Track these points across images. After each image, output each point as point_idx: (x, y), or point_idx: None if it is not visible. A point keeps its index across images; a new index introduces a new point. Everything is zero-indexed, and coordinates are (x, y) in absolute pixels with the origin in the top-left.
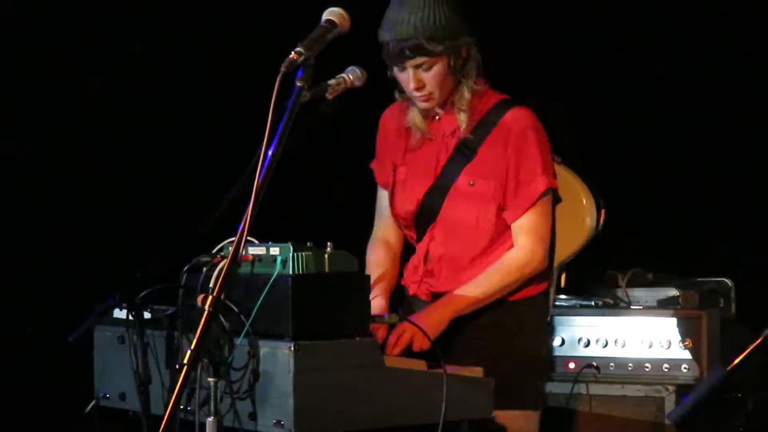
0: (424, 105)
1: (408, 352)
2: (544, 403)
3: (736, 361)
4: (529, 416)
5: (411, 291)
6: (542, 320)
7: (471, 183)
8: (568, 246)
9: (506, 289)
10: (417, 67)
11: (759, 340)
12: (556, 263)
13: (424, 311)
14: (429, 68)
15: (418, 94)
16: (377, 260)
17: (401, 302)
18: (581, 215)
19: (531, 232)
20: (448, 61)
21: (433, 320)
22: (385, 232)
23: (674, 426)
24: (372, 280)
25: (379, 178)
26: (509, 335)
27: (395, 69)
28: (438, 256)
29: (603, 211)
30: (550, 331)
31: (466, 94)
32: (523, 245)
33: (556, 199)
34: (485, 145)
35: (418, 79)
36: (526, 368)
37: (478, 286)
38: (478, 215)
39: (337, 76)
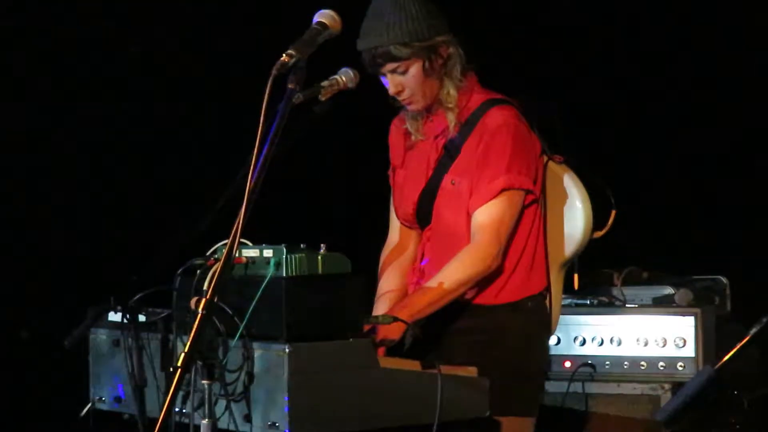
0: (410, 108)
1: (401, 353)
2: (535, 410)
3: (724, 359)
4: (517, 422)
5: (409, 291)
6: (531, 326)
7: (453, 182)
8: (563, 249)
9: (461, 286)
10: (392, 72)
11: (746, 339)
12: (552, 266)
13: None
14: (404, 72)
15: (399, 98)
16: (386, 281)
17: None
18: (576, 218)
19: (486, 228)
20: (422, 62)
21: (391, 326)
22: (399, 236)
23: (662, 424)
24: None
25: (391, 183)
26: (489, 341)
27: (380, 77)
28: (430, 256)
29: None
30: (543, 337)
31: (452, 92)
32: (477, 241)
33: (538, 201)
34: (466, 144)
35: (396, 84)
36: (508, 374)
37: (432, 286)
38: (459, 214)
39: (330, 78)
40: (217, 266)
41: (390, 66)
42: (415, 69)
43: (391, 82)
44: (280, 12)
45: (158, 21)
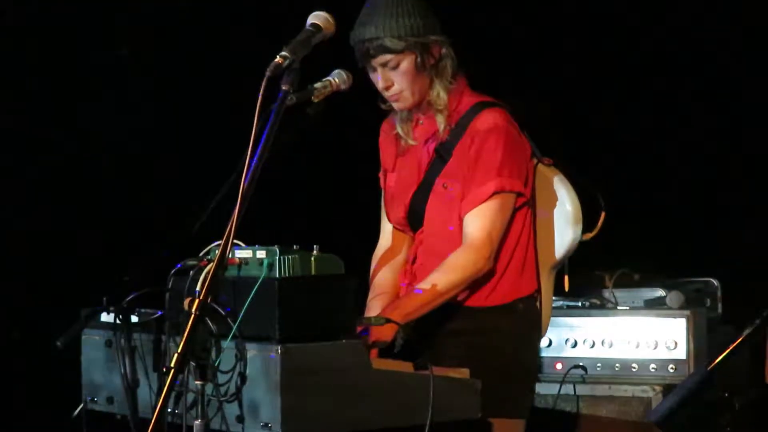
0: (397, 105)
1: (392, 354)
2: (526, 412)
3: (717, 360)
4: (508, 424)
5: (401, 294)
6: (522, 327)
7: (445, 185)
8: (553, 251)
9: (453, 289)
10: (384, 65)
11: (738, 340)
12: (543, 268)
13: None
14: (396, 66)
15: (387, 93)
16: (378, 283)
17: None
18: (566, 220)
19: (478, 231)
20: (414, 58)
21: (383, 327)
22: (391, 239)
23: (655, 426)
24: (374, 301)
25: (382, 185)
26: (480, 343)
27: (369, 72)
28: (422, 259)
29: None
30: (534, 339)
31: (442, 94)
32: (469, 244)
33: (529, 203)
34: (458, 147)
35: (385, 78)
36: (499, 376)
37: (424, 288)
38: (451, 217)
39: (323, 80)
40: (211, 267)
41: (382, 59)
42: (406, 64)
43: (381, 76)
44: (280, 12)
45: (156, 21)
